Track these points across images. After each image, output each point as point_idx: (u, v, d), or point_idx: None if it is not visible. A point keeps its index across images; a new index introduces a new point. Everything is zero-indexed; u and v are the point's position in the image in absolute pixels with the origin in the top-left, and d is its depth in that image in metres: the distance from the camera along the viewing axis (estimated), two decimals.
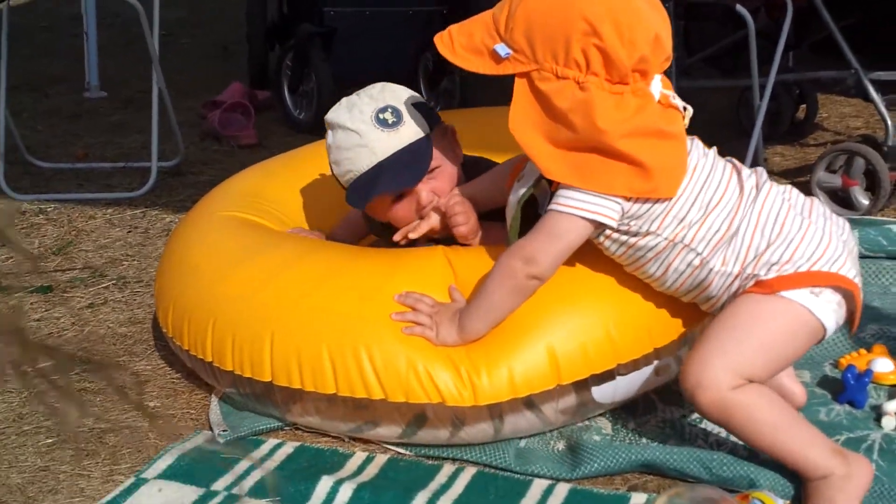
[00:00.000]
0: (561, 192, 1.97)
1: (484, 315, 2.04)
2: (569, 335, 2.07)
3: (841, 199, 3.49)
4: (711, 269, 2.01)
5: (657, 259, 2.04)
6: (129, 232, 3.44)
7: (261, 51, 5.17)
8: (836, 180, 3.48)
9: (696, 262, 2.02)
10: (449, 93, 4.72)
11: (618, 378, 2.12)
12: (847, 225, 2.08)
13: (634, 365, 2.13)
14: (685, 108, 2.01)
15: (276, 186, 2.74)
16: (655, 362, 2.14)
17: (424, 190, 2.31)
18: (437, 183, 2.32)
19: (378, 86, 2.37)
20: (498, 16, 1.99)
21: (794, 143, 4.26)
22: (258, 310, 2.20)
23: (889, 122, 3.48)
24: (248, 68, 5.33)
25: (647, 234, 2.01)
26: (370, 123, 2.28)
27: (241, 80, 5.08)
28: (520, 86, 1.97)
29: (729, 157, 2.10)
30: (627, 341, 2.11)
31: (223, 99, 4.75)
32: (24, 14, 7.04)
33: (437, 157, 2.31)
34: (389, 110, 2.29)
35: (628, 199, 1.96)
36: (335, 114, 2.34)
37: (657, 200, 1.97)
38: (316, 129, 4.35)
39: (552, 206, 1.98)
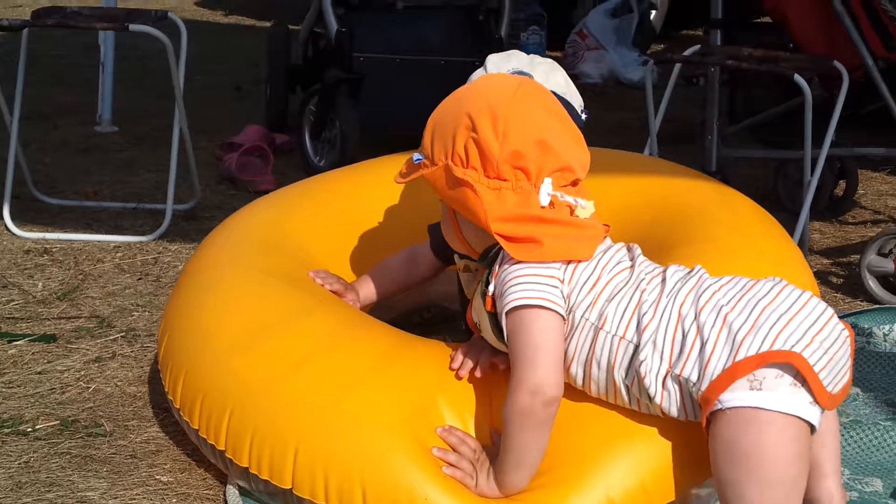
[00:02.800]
0: (503, 290, 1.90)
1: (517, 465, 1.90)
2: (624, 473, 1.90)
3: (892, 285, 3.31)
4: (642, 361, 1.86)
5: (597, 357, 1.90)
6: (140, 279, 3.24)
7: (282, 93, 5.02)
8: (889, 265, 3.30)
9: (631, 351, 1.88)
10: None
11: None
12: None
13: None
14: (576, 203, 1.93)
15: (292, 224, 2.55)
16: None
17: None
18: None
19: (547, 62, 2.36)
20: None
21: (833, 220, 4.08)
22: (283, 408, 2.00)
23: None
24: (267, 110, 5.16)
25: (584, 323, 1.90)
26: None
27: (256, 122, 4.91)
28: (427, 185, 2.00)
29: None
30: (686, 470, 1.92)
31: (240, 141, 4.57)
32: (38, 41, 6.85)
33: None
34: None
35: (559, 279, 1.90)
36: (493, 55, 2.40)
37: (577, 278, 1.91)
38: None
39: (507, 307, 1.88)
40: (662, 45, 7.30)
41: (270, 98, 5.09)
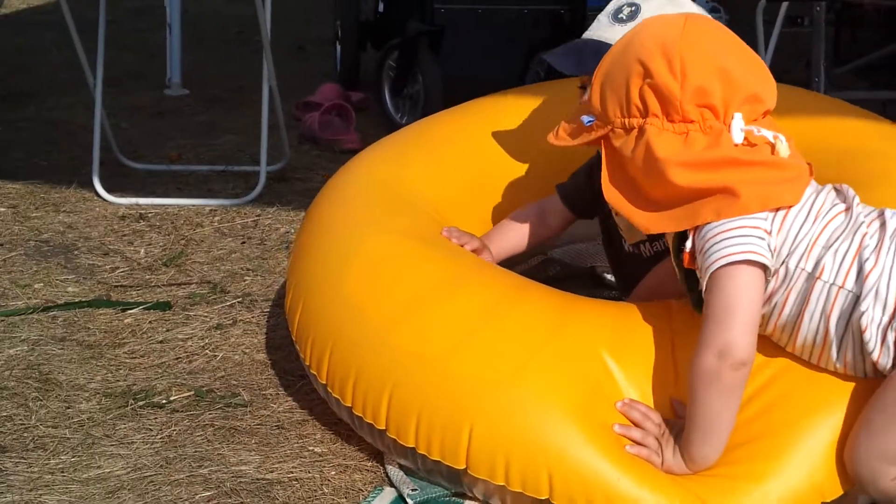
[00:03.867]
0: (704, 248, 1.72)
1: (706, 435, 1.74)
2: (826, 443, 1.76)
3: None
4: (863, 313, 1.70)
5: (811, 309, 1.74)
6: (244, 243, 3.12)
7: (353, 50, 4.89)
8: None
9: (851, 301, 1.71)
10: None
11: None
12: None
13: None
14: (776, 137, 1.77)
15: (410, 177, 2.39)
16: None
17: None
18: None
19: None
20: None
21: None
22: (452, 385, 1.85)
23: None
24: (340, 69, 5.04)
25: (799, 273, 1.73)
26: (608, 13, 2.29)
27: (323, 80, 4.77)
28: (604, 151, 1.86)
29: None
30: None
31: (318, 100, 4.44)
32: (87, 7, 6.74)
33: None
34: (630, 8, 2.24)
35: (766, 231, 1.72)
36: None
37: (789, 226, 1.74)
38: None
39: (711, 268, 1.71)
40: None
41: (343, 56, 4.96)
